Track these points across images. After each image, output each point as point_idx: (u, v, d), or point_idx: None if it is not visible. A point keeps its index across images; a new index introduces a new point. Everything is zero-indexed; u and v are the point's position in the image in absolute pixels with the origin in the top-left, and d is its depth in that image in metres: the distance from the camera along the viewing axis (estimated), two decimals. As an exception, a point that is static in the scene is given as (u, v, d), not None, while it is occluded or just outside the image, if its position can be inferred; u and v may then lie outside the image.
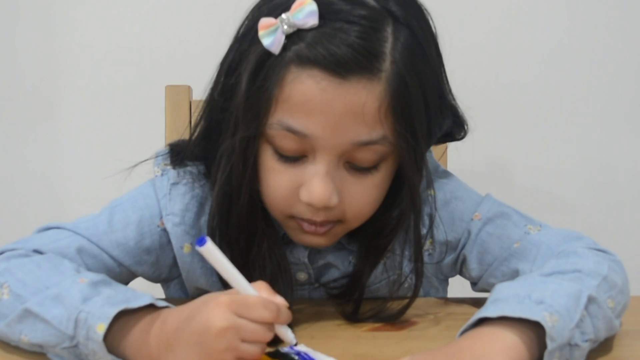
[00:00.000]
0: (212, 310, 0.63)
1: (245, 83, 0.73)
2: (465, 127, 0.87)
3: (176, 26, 1.44)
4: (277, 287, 0.76)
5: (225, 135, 0.77)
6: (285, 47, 0.71)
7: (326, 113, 0.71)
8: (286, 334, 0.67)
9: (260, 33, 0.72)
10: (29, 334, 0.70)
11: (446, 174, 0.91)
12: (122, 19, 1.44)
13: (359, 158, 0.75)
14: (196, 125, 0.83)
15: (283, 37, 0.71)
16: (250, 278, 0.69)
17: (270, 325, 0.64)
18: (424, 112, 0.74)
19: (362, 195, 0.77)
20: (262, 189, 0.78)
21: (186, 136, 0.88)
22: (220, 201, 0.79)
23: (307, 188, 0.74)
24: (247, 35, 0.76)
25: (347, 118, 0.71)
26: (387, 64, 0.71)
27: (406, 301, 0.83)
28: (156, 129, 1.18)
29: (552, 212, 1.33)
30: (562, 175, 1.49)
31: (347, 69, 0.69)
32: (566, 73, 1.45)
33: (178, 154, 0.86)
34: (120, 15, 1.44)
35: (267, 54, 0.72)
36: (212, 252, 0.65)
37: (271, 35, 0.71)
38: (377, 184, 0.77)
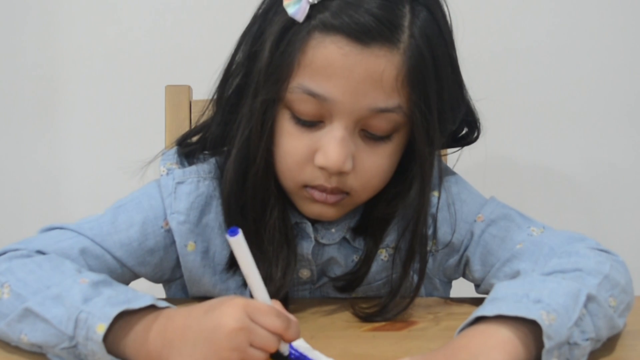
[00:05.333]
0: (228, 310, 0.64)
1: (269, 49, 0.76)
2: (478, 124, 0.88)
3: (176, 26, 1.43)
4: (282, 257, 0.81)
5: (245, 100, 0.80)
6: (309, 16, 0.74)
7: (347, 77, 0.74)
8: (284, 349, 0.67)
9: (285, 3, 0.75)
10: (28, 334, 0.70)
11: (453, 176, 0.91)
12: (122, 19, 1.44)
13: (374, 126, 0.77)
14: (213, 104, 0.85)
15: (308, 6, 0.74)
16: (260, 247, 0.75)
17: (278, 336, 0.65)
18: (439, 89, 0.77)
19: (374, 164, 0.79)
20: (277, 154, 0.80)
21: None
22: (237, 165, 0.80)
23: (323, 152, 0.77)
24: (271, 8, 0.79)
25: (367, 83, 0.74)
26: (405, 37, 0.74)
27: (407, 300, 0.83)
28: (156, 129, 1.18)
29: (553, 212, 1.34)
30: (563, 176, 1.49)
31: (369, 36, 0.73)
32: (569, 73, 1.45)
33: (189, 145, 0.88)
34: (120, 15, 1.44)
35: (291, 22, 0.75)
36: (241, 245, 0.64)
37: (296, 4, 0.74)
38: (388, 153, 0.80)
